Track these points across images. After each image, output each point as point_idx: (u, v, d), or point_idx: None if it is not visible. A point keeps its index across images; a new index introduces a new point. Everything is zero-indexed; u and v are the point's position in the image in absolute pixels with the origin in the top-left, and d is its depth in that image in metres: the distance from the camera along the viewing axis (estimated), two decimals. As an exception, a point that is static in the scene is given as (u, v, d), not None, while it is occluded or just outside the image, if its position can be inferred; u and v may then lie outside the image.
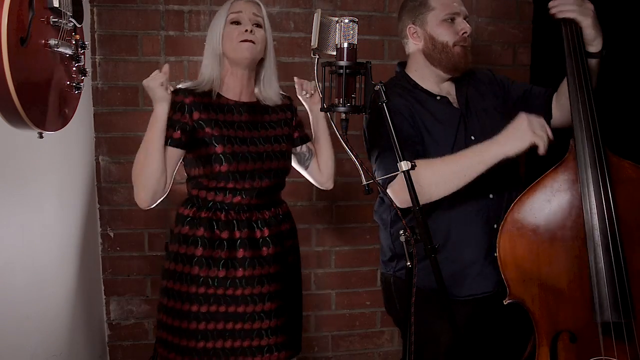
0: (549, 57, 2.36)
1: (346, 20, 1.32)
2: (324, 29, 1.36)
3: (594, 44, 1.65)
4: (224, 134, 1.69)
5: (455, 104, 1.80)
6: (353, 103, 1.34)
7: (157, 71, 1.62)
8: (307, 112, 1.85)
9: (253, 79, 1.79)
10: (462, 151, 1.62)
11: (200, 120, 1.68)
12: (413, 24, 1.79)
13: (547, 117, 1.77)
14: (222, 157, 1.67)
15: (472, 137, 1.75)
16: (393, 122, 1.46)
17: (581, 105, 1.57)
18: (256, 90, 1.80)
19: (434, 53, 1.76)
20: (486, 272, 1.72)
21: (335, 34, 1.35)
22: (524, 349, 1.67)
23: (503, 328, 1.83)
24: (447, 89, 1.82)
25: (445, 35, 1.74)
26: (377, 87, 1.33)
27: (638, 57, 2.31)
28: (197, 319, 1.69)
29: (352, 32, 1.33)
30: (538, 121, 1.52)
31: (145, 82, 1.61)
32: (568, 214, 1.55)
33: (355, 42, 1.33)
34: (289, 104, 1.88)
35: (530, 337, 1.63)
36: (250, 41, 1.68)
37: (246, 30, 1.67)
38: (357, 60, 1.33)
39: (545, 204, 1.56)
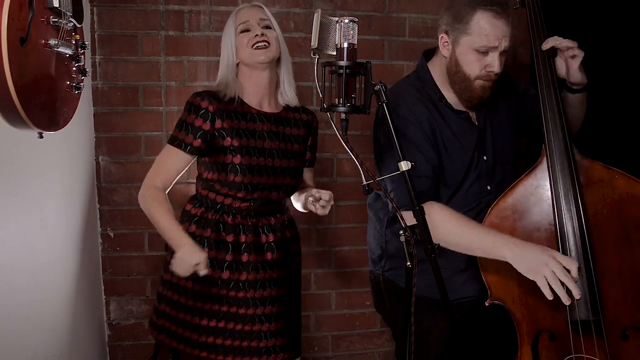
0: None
1: (346, 20, 1.32)
2: (324, 29, 1.36)
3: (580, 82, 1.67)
4: (243, 144, 1.70)
5: (475, 119, 1.75)
6: (353, 103, 1.34)
7: (199, 260, 1.57)
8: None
9: (274, 85, 1.79)
10: (478, 231, 1.56)
11: (222, 129, 1.69)
12: (446, 33, 1.67)
13: None
14: (239, 168, 1.69)
15: (484, 157, 1.73)
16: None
17: (549, 111, 1.61)
18: (279, 94, 1.81)
19: (455, 77, 1.68)
20: (474, 278, 1.72)
21: (335, 34, 1.34)
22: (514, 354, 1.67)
23: (491, 332, 1.82)
24: None
25: (470, 67, 1.64)
26: (377, 87, 1.33)
27: (621, 58, 2.31)
28: (200, 315, 1.72)
29: (352, 32, 1.33)
30: (563, 269, 1.41)
31: (182, 256, 1.58)
32: (542, 217, 1.59)
33: (355, 42, 1.33)
34: (311, 121, 1.88)
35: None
36: (264, 43, 1.69)
37: (256, 35, 1.69)
38: (357, 60, 1.33)
39: (521, 207, 1.59)
